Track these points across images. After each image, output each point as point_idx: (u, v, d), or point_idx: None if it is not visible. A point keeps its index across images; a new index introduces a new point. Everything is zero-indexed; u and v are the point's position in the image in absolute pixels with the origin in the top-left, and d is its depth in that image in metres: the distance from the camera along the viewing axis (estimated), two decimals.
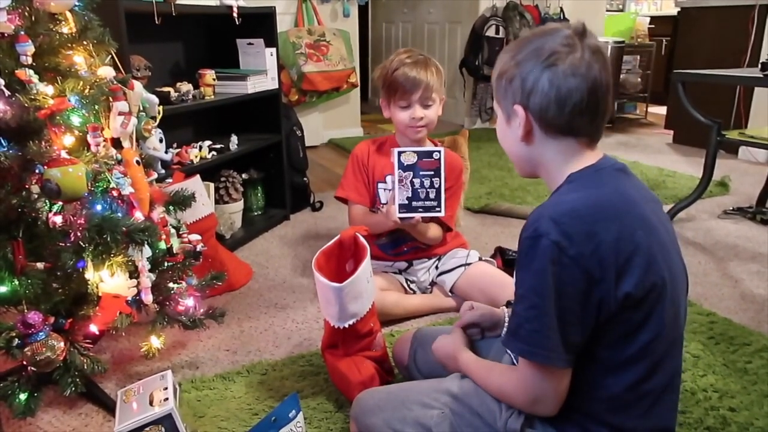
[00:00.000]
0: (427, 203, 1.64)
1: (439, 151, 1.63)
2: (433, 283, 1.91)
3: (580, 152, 0.93)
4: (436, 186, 1.63)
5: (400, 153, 1.62)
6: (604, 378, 0.90)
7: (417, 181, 1.62)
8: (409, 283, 1.89)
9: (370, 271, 1.35)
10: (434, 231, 1.81)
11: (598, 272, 0.83)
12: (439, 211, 1.65)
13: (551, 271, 0.83)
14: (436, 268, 1.90)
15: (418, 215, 1.66)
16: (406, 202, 1.64)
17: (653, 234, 0.89)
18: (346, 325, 1.31)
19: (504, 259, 2.05)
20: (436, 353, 1.18)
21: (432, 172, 1.62)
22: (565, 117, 0.90)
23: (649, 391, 0.91)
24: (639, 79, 5.32)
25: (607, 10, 5.61)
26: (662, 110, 5.06)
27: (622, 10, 6.47)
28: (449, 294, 1.86)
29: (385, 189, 1.84)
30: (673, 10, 5.45)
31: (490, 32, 4.55)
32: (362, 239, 1.37)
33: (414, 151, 1.63)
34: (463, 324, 1.23)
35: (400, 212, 1.64)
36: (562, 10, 4.82)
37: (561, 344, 0.85)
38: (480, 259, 1.90)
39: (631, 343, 0.88)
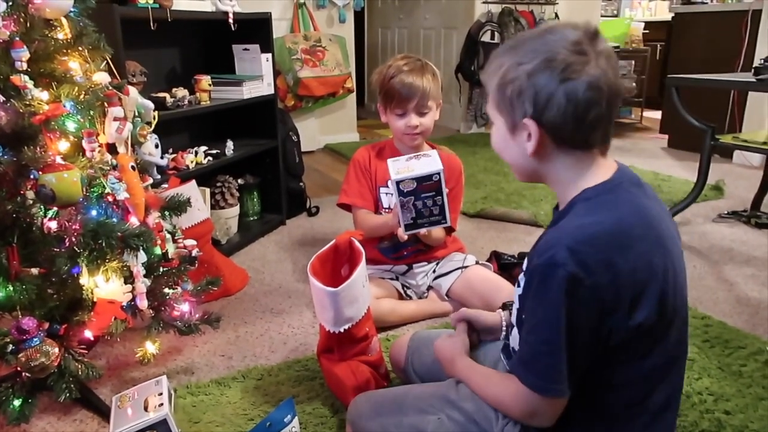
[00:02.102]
0: (432, 218, 1.61)
1: (438, 173, 1.56)
2: (429, 288, 1.91)
3: (595, 163, 0.90)
4: (439, 203, 1.59)
5: (398, 182, 1.56)
6: (604, 396, 0.90)
7: (419, 203, 1.59)
8: (405, 288, 1.89)
9: (365, 275, 1.35)
10: (438, 232, 1.82)
11: (613, 303, 0.81)
12: (445, 222, 1.62)
13: (566, 303, 0.80)
14: (434, 272, 1.90)
15: (424, 230, 1.65)
16: (411, 221, 1.62)
17: (668, 257, 0.87)
18: (342, 330, 1.30)
19: (500, 263, 2.06)
20: (437, 354, 1.16)
21: (433, 192, 1.58)
22: (582, 131, 0.86)
23: (648, 409, 0.91)
24: (634, 84, 5.34)
25: (602, 16, 5.65)
26: (657, 115, 5.08)
27: (616, 16, 6.50)
28: (445, 298, 1.86)
29: (387, 193, 1.85)
30: (667, 16, 5.49)
31: (486, 38, 4.58)
32: (357, 244, 1.37)
33: (413, 179, 1.57)
34: (457, 319, 1.22)
35: (406, 231, 1.63)
36: (557, 15, 4.85)
37: (567, 376, 0.84)
38: (477, 262, 1.90)
39: (635, 366, 0.88)
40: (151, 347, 1.54)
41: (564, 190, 0.92)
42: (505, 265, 2.04)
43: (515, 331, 0.99)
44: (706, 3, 4.33)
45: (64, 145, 1.25)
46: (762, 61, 2.24)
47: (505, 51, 0.89)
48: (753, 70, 2.27)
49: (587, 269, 0.79)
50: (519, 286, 0.96)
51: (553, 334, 0.83)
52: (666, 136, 4.52)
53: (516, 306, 0.99)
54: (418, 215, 1.61)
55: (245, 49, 2.51)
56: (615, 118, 0.88)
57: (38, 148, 1.21)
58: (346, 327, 1.31)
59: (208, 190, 2.31)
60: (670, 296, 0.86)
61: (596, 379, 0.88)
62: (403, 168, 1.58)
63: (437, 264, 1.91)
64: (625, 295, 0.81)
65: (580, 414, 0.90)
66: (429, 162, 1.59)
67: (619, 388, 0.89)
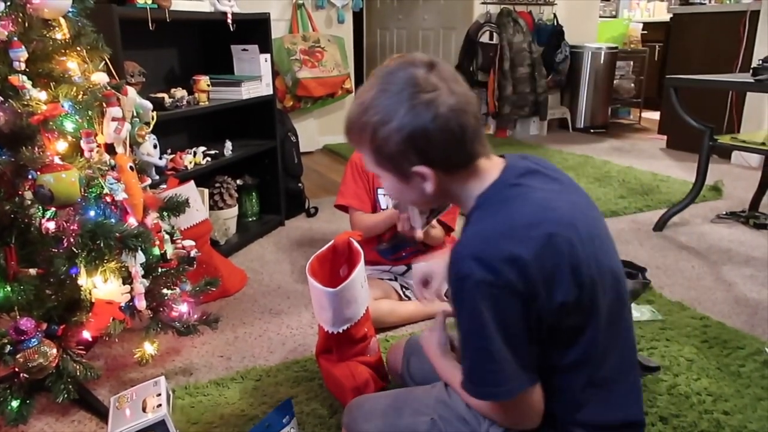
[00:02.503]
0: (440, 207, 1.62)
1: None
2: None
3: (482, 169, 0.92)
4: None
5: None
6: (562, 381, 0.91)
7: None
8: (404, 289, 1.89)
9: (364, 275, 1.35)
10: (437, 232, 1.82)
11: (529, 292, 0.82)
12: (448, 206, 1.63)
13: (485, 307, 0.82)
14: None
15: (434, 220, 1.65)
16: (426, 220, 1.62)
17: (573, 231, 0.87)
18: (340, 330, 1.30)
19: None
20: (424, 351, 1.17)
21: None
22: (466, 151, 0.89)
23: (601, 384, 0.92)
24: (632, 85, 5.35)
25: (600, 17, 5.64)
26: (656, 115, 5.09)
27: (615, 16, 6.51)
28: (444, 298, 1.86)
29: (385, 194, 1.85)
30: (666, 16, 5.50)
31: (484, 38, 4.58)
32: (356, 244, 1.37)
33: None
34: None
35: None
36: (555, 16, 4.85)
37: (518, 369, 0.85)
38: None
39: (576, 344, 0.88)
40: (149, 348, 1.54)
41: (464, 201, 0.94)
42: None
43: None
44: (705, 4, 4.34)
45: (62, 146, 1.25)
46: (760, 61, 2.24)
47: (360, 113, 0.89)
48: (751, 71, 2.27)
49: (494, 271, 0.81)
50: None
51: (484, 342, 0.84)
52: (664, 137, 4.52)
53: None
54: (431, 212, 1.61)
55: (244, 50, 2.51)
56: (482, 126, 0.92)
57: (36, 149, 1.21)
58: (345, 327, 1.30)
59: (206, 191, 2.30)
60: (584, 268, 0.86)
61: (549, 367, 0.89)
62: None
63: None
64: (536, 281, 0.82)
65: (551, 407, 0.91)
66: None
67: (571, 370, 0.90)
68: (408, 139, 0.85)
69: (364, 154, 0.93)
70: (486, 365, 0.85)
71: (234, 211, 2.50)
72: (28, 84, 1.21)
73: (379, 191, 1.86)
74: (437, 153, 0.87)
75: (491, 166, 0.93)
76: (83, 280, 1.28)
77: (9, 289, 1.22)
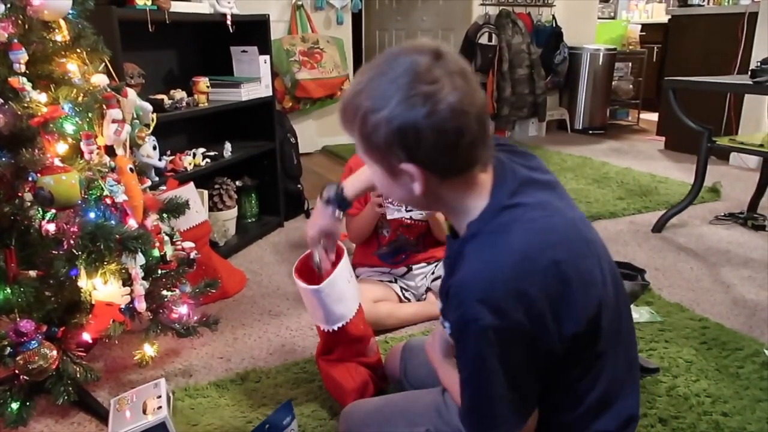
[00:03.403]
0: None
1: None
2: (428, 289, 1.91)
3: (478, 181, 0.86)
4: None
5: None
6: (576, 393, 0.90)
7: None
8: (404, 291, 1.89)
9: (349, 271, 1.36)
10: (441, 216, 1.82)
11: (537, 329, 0.79)
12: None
13: (489, 353, 0.78)
14: (432, 273, 1.91)
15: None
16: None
17: (577, 252, 0.84)
18: (336, 328, 1.31)
19: None
20: (428, 358, 1.15)
21: None
22: (461, 158, 0.81)
23: (614, 390, 0.91)
24: (631, 86, 5.36)
25: (599, 18, 5.65)
26: (654, 117, 5.09)
27: (613, 18, 6.51)
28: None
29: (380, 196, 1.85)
30: (664, 18, 5.50)
31: (483, 39, 4.58)
32: (339, 243, 1.38)
33: None
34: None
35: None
36: (554, 17, 4.86)
37: (518, 406, 0.84)
38: None
39: (590, 363, 0.88)
40: (149, 350, 1.54)
41: (457, 217, 0.89)
42: None
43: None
44: (703, 5, 4.35)
45: (62, 148, 1.25)
46: (758, 63, 2.25)
47: (355, 94, 0.81)
48: (749, 73, 2.28)
49: (501, 313, 0.77)
50: (444, 327, 0.91)
51: (484, 389, 0.82)
52: (663, 138, 4.53)
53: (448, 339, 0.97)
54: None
55: (243, 51, 2.51)
56: (488, 132, 0.83)
57: (36, 151, 1.21)
58: (340, 325, 1.32)
59: (206, 192, 2.30)
60: (593, 292, 0.84)
61: (559, 384, 0.88)
62: None
63: (436, 266, 1.91)
64: (544, 316, 0.79)
65: (549, 419, 0.90)
66: None
67: (583, 384, 0.89)
68: (396, 132, 0.77)
69: (354, 139, 0.85)
70: (484, 410, 0.83)
71: (233, 212, 2.50)
72: (28, 86, 1.21)
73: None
74: (426, 154, 0.79)
75: (487, 180, 0.87)
76: (83, 282, 1.28)
77: (9, 291, 1.22)
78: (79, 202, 1.25)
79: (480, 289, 0.78)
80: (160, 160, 1.95)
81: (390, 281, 1.90)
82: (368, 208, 1.82)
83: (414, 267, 1.91)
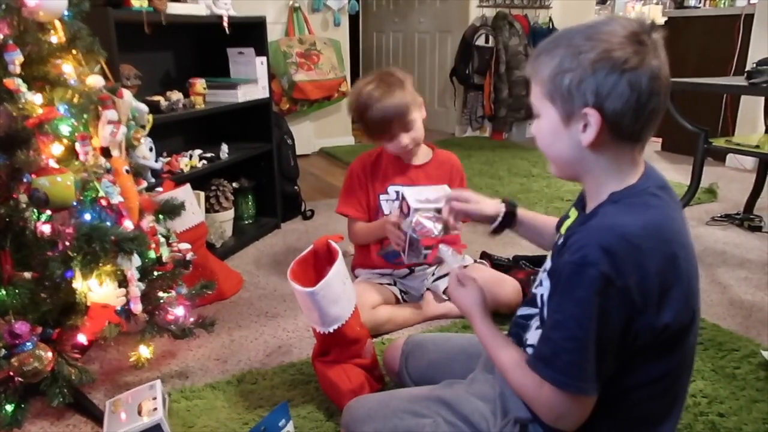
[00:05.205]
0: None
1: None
2: (427, 290, 1.91)
3: (633, 160, 0.89)
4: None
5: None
6: (617, 401, 0.89)
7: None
8: (402, 293, 1.89)
9: (345, 273, 1.35)
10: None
11: (641, 303, 0.81)
12: (458, 230, 1.54)
13: (596, 302, 0.80)
14: (433, 274, 1.91)
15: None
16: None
17: (691, 262, 0.87)
18: (332, 330, 1.31)
19: (492, 263, 2.08)
20: (454, 302, 1.11)
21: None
22: (640, 123, 0.84)
23: (653, 415, 0.91)
24: None
25: None
26: None
27: None
28: (443, 298, 1.86)
29: (387, 200, 1.85)
30: (661, 20, 5.51)
31: (480, 41, 4.59)
32: (334, 245, 1.38)
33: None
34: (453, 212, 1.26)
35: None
36: (551, 19, 4.87)
37: (595, 374, 0.83)
38: (474, 262, 1.94)
39: (652, 369, 0.88)
40: (145, 351, 1.53)
41: (599, 187, 0.90)
42: (497, 266, 2.07)
43: (533, 330, 0.98)
44: (699, 7, 4.36)
45: (57, 149, 1.25)
46: (754, 65, 2.25)
47: (556, 41, 0.86)
48: (745, 74, 2.28)
49: (618, 270, 0.79)
50: (540, 285, 0.96)
51: (580, 332, 0.82)
52: (659, 140, 4.54)
53: (539, 307, 0.97)
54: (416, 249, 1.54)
55: (240, 53, 2.51)
56: (662, 114, 0.87)
57: (31, 152, 1.21)
58: (336, 326, 1.32)
59: (202, 194, 2.30)
60: (691, 300, 0.87)
61: (614, 383, 0.87)
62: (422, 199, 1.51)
63: (436, 267, 1.91)
64: (651, 295, 0.81)
65: (591, 419, 0.88)
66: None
67: (633, 390, 0.89)
68: (593, 75, 0.81)
69: (537, 82, 0.88)
70: (573, 355, 0.83)
71: (230, 213, 2.50)
72: (23, 87, 1.20)
73: (381, 197, 1.86)
74: (614, 105, 0.82)
75: (638, 164, 0.90)
76: (78, 284, 1.27)
77: (4, 292, 1.22)
78: (75, 203, 1.24)
79: (608, 239, 0.81)
80: (156, 161, 1.94)
81: (389, 284, 1.90)
82: (379, 228, 1.76)
83: (416, 268, 1.91)
